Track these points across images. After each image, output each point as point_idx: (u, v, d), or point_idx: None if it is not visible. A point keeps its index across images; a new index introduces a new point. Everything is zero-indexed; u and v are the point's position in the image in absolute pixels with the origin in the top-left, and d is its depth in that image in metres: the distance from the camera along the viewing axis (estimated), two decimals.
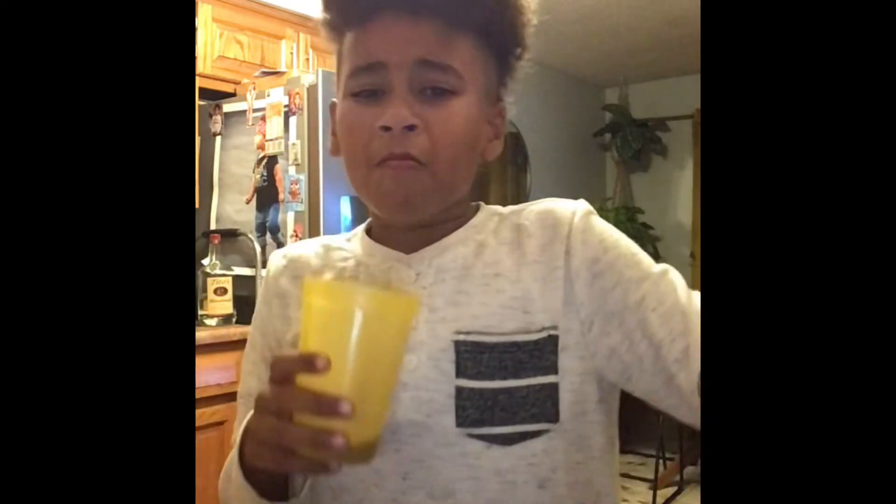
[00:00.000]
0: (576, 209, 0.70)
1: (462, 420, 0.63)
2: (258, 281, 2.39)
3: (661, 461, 3.03)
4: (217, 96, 2.57)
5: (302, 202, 2.30)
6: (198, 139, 2.55)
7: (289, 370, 0.52)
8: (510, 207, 0.75)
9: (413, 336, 0.64)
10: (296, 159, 2.32)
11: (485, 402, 0.63)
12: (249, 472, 0.61)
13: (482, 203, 0.77)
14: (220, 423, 2.25)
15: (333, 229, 2.29)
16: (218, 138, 2.57)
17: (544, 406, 0.64)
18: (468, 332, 0.65)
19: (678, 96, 4.47)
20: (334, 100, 0.73)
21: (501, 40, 0.69)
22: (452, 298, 0.67)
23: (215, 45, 2.56)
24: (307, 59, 2.84)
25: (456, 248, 0.70)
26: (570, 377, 0.65)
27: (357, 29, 0.66)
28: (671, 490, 3.25)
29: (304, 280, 0.56)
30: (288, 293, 0.75)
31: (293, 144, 2.32)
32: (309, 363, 0.50)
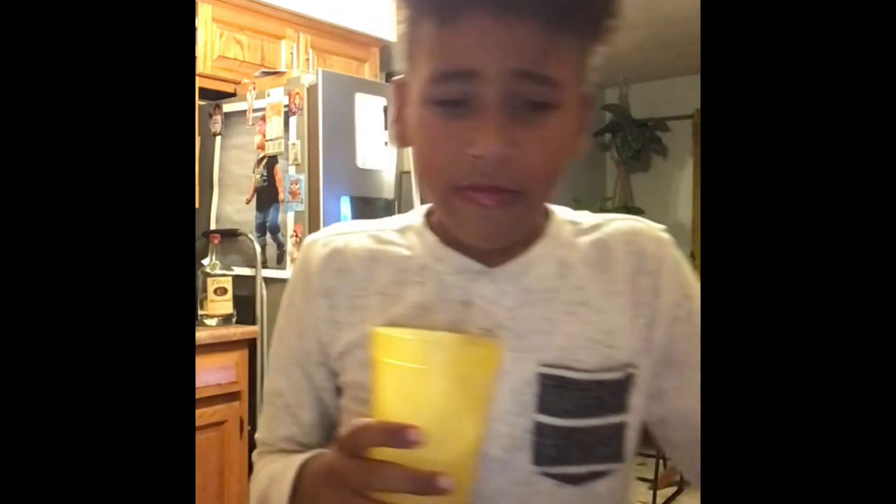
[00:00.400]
0: (661, 240, 0.66)
1: (540, 458, 0.60)
2: (258, 281, 2.39)
3: (660, 461, 3.03)
4: (217, 96, 2.57)
5: (302, 202, 2.30)
6: (198, 139, 2.55)
7: (370, 443, 0.46)
8: (580, 215, 0.69)
9: None
10: (296, 159, 2.32)
11: (563, 441, 0.60)
12: None
13: (547, 204, 0.69)
14: (221, 423, 2.25)
15: None
16: (218, 138, 2.57)
17: (614, 446, 0.62)
18: (554, 366, 0.61)
19: (678, 96, 4.47)
20: (398, 78, 0.64)
21: (597, 28, 0.59)
22: (538, 326, 0.62)
23: (215, 45, 2.56)
24: (307, 59, 2.84)
25: (540, 265, 0.64)
26: (635, 416, 0.63)
27: (441, 23, 0.56)
28: (671, 490, 3.25)
29: (374, 331, 0.50)
30: (335, 291, 0.67)
31: (293, 144, 2.32)
32: (399, 436, 0.45)
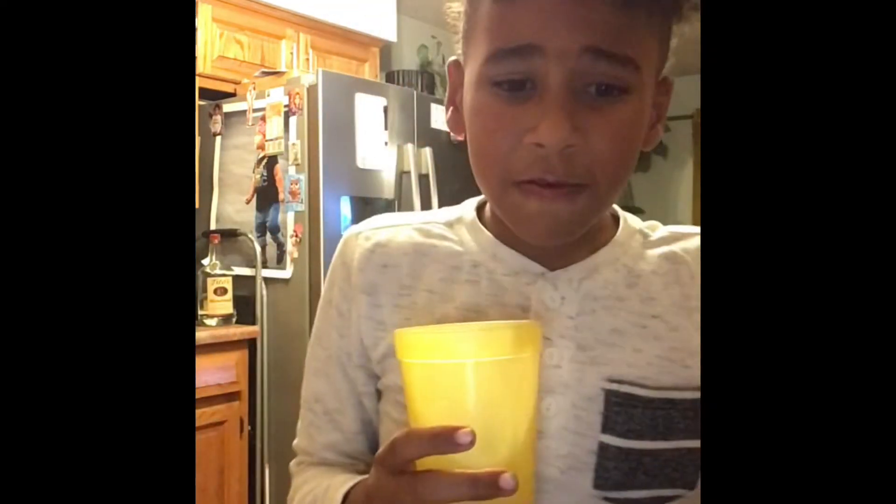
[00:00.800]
0: None
1: (602, 482, 0.54)
2: (258, 281, 2.39)
3: None
4: (217, 96, 2.58)
5: (302, 202, 2.30)
6: (198, 139, 2.55)
7: (416, 454, 0.42)
8: (653, 225, 0.64)
9: (555, 375, 0.56)
10: (296, 159, 2.32)
11: (629, 464, 0.54)
12: None
13: (617, 208, 0.64)
14: (221, 423, 2.26)
15: (333, 229, 2.29)
16: (218, 138, 2.57)
17: (685, 471, 0.55)
18: (621, 382, 0.55)
19: (678, 96, 4.43)
20: (455, 57, 0.59)
21: (679, 3, 0.53)
22: (605, 337, 0.56)
23: (215, 45, 2.56)
24: (307, 59, 2.84)
25: (605, 271, 0.58)
26: None
27: None
28: None
29: (395, 333, 0.45)
30: (378, 289, 0.60)
31: (293, 144, 2.32)
32: (449, 440, 0.40)
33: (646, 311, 0.57)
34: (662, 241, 0.62)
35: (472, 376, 0.42)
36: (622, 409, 0.54)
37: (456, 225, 0.63)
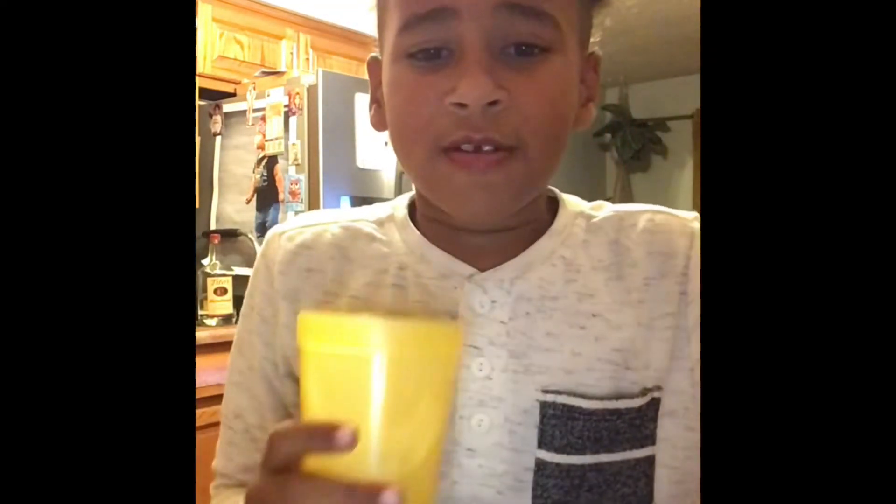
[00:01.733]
0: (692, 233, 0.54)
1: (542, 501, 0.50)
2: None
3: None
4: (217, 96, 2.57)
5: (302, 202, 2.30)
6: (198, 139, 2.55)
7: (294, 451, 0.38)
8: (599, 205, 0.59)
9: (486, 388, 0.51)
10: (296, 159, 2.32)
11: (570, 481, 0.50)
12: None
13: (557, 191, 0.59)
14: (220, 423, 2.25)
15: None
16: (218, 138, 2.56)
17: (637, 485, 0.51)
18: (558, 392, 0.50)
19: (678, 96, 4.47)
20: (374, 55, 0.57)
21: None
22: (539, 342, 0.52)
23: (215, 45, 2.56)
24: (307, 59, 2.84)
25: (541, 267, 0.54)
26: (672, 450, 0.52)
27: None
28: None
29: (300, 316, 0.41)
30: (301, 294, 0.56)
31: (293, 144, 2.32)
32: (325, 437, 0.36)
33: (584, 309, 0.52)
34: (606, 224, 0.56)
35: (377, 370, 0.37)
36: (559, 422, 0.50)
37: (386, 223, 0.58)
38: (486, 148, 0.47)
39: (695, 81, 4.12)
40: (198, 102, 2.52)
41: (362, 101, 2.36)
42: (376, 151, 2.41)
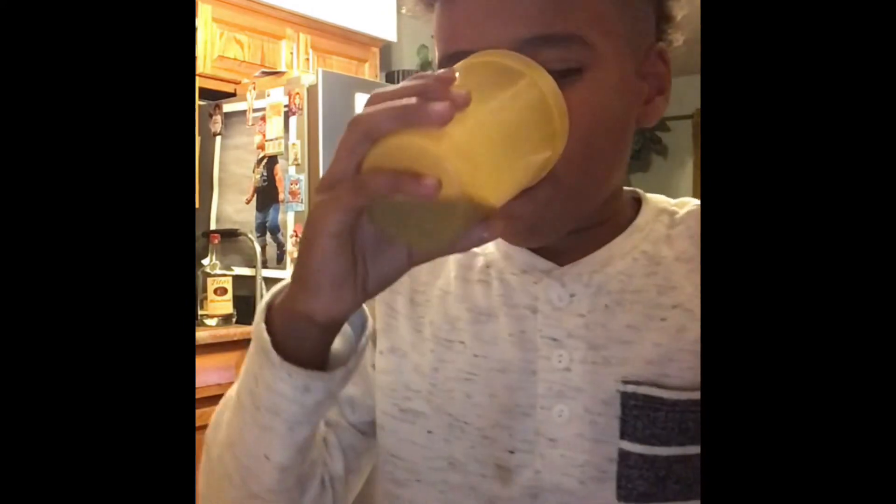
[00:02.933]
0: None
1: (626, 492, 0.50)
2: (258, 281, 2.39)
3: None
4: (217, 96, 2.58)
5: (302, 202, 2.30)
6: (198, 139, 2.55)
7: (400, 95, 0.39)
8: (683, 202, 0.60)
9: (565, 379, 0.52)
10: (296, 159, 2.32)
11: (656, 473, 0.50)
12: (280, 340, 0.46)
13: (642, 192, 0.61)
14: None
15: None
16: (218, 138, 2.57)
17: None
18: (638, 382, 0.51)
19: (678, 96, 4.43)
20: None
21: None
22: (618, 334, 0.52)
23: (215, 45, 2.56)
24: (307, 59, 2.84)
25: (620, 261, 0.54)
26: None
27: (443, 1, 0.51)
28: None
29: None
30: (398, 283, 0.57)
31: (293, 144, 2.33)
32: (441, 87, 0.38)
33: (665, 301, 0.53)
34: (689, 218, 0.57)
35: (531, 89, 0.43)
36: (642, 413, 0.50)
37: None
38: None
39: (695, 81, 4.11)
40: (198, 102, 2.52)
41: (362, 101, 2.36)
42: None
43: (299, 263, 0.45)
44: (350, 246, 0.43)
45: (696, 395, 0.50)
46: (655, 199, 0.60)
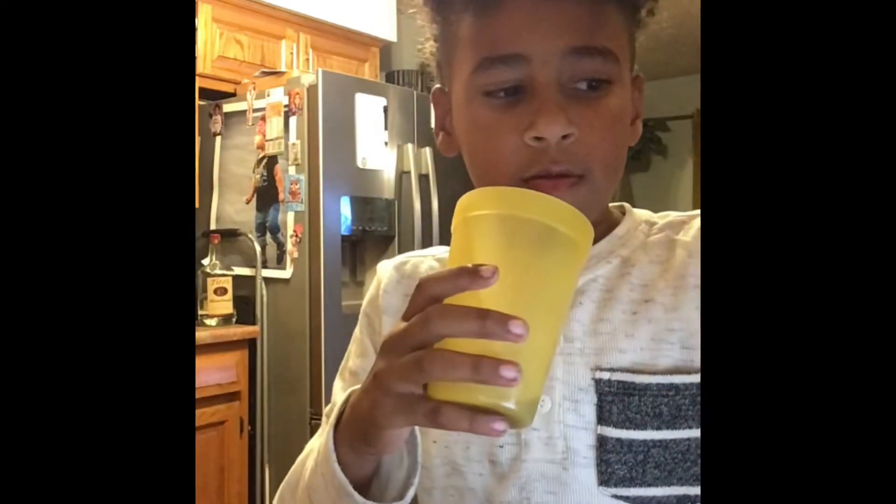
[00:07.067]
0: None
1: (606, 477, 0.53)
2: (258, 281, 2.39)
3: None
4: (217, 96, 2.58)
5: (302, 202, 2.30)
6: (198, 139, 2.55)
7: (438, 292, 0.39)
8: (665, 215, 0.63)
9: None
10: (296, 159, 2.32)
11: (634, 457, 0.52)
12: (345, 459, 0.48)
13: (627, 205, 0.65)
14: (220, 423, 2.25)
15: (333, 229, 2.29)
16: (218, 138, 2.57)
17: None
18: (612, 370, 0.54)
19: (678, 96, 4.47)
20: (438, 86, 0.62)
21: (638, 4, 0.56)
22: (591, 327, 0.56)
23: (215, 45, 2.56)
24: (307, 59, 2.84)
25: (597, 265, 0.58)
26: None
27: (481, 14, 0.53)
28: None
29: (461, 199, 0.44)
30: (399, 311, 0.59)
31: (293, 144, 2.32)
32: (472, 274, 0.38)
33: (638, 297, 0.56)
34: (667, 227, 0.61)
35: (548, 238, 0.40)
36: (616, 398, 0.53)
37: None
38: (560, 172, 0.52)
39: (695, 81, 4.12)
40: (198, 102, 2.52)
41: (362, 101, 2.37)
42: (376, 151, 2.41)
43: (364, 421, 0.45)
44: None
45: (667, 380, 0.53)
46: (638, 213, 0.64)
